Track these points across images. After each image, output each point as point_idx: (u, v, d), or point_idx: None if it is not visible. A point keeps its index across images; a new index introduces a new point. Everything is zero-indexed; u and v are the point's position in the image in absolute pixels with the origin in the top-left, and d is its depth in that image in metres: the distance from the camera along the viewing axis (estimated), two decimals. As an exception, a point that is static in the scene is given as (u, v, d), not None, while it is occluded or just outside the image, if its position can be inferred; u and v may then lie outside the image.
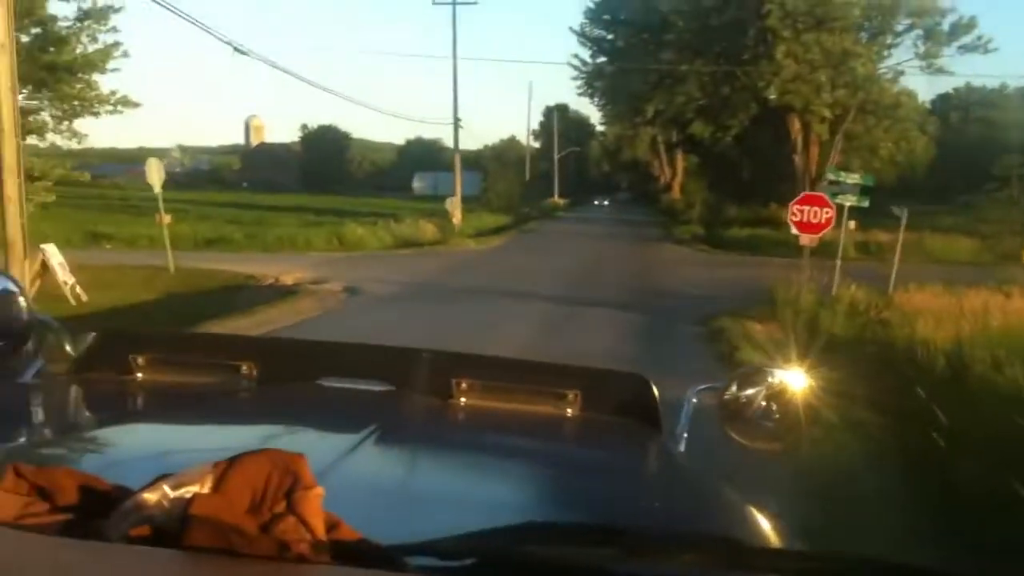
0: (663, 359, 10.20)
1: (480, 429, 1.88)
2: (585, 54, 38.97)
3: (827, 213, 14.04)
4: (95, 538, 0.83)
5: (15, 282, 1.92)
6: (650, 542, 0.94)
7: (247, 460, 0.87)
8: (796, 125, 32.80)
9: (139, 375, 1.92)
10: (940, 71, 31.80)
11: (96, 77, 25.39)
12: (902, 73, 32.55)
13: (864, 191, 15.95)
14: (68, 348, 1.99)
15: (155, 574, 0.81)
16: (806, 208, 14.13)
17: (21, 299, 1.87)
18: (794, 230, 26.53)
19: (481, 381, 1.93)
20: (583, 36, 38.03)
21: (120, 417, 1.65)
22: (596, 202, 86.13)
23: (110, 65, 30.40)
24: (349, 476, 1.25)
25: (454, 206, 31.64)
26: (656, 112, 34.92)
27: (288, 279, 19.57)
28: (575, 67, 38.77)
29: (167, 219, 20.12)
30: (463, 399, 1.90)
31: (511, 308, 15.17)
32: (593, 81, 38.12)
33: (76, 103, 30.85)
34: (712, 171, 50.44)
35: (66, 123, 31.85)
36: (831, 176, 16.43)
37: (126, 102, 32.86)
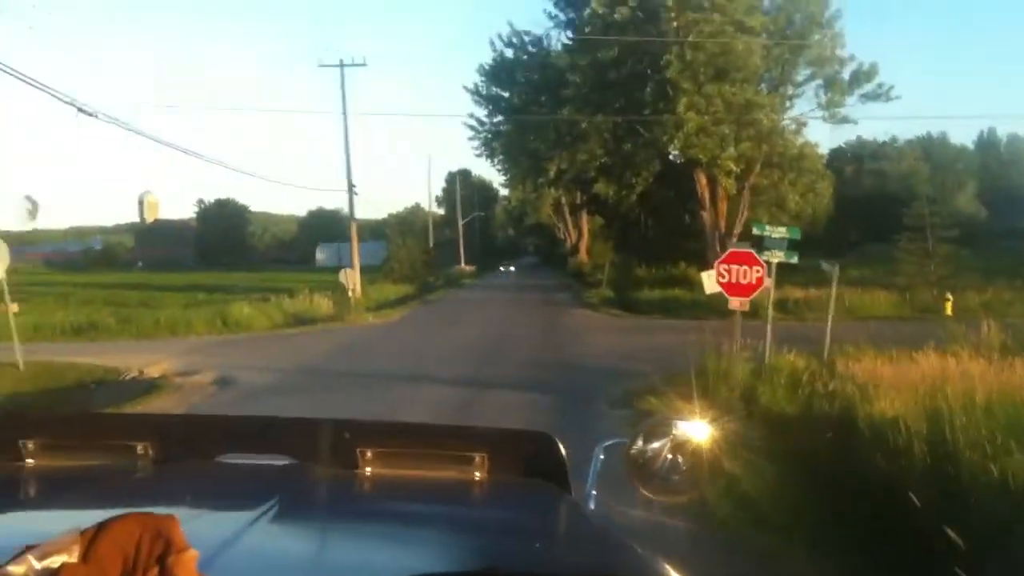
0: (582, 459, 8.19)
1: (385, 498, 1.84)
2: (482, 113, 37.41)
3: (757, 272, 12.34)
4: None
5: None
6: None
7: (115, 525, 0.84)
8: (703, 180, 31.64)
9: (29, 460, 1.84)
10: (844, 120, 31.01)
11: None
12: (804, 124, 31.76)
13: (792, 245, 14.42)
14: None
15: None
16: (734, 268, 12.39)
17: None
18: (718, 292, 25.15)
19: (386, 449, 1.89)
20: (478, 95, 36.44)
21: (7, 504, 1.60)
22: (501, 268, 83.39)
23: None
24: (243, 551, 1.21)
25: (349, 277, 29.35)
26: (558, 172, 33.42)
27: (154, 371, 17.11)
28: (472, 127, 37.18)
29: (14, 307, 17.46)
30: (368, 468, 1.86)
31: (405, 394, 13.05)
32: (491, 141, 36.42)
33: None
34: (618, 232, 49.27)
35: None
36: (756, 230, 14.76)
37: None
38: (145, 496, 1.71)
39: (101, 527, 0.84)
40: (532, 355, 17.56)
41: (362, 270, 57.48)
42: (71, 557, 0.81)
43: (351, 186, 38.71)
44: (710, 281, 27.28)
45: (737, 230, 32.00)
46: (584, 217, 65.40)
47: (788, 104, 30.58)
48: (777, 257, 14.15)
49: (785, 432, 10.23)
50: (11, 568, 0.81)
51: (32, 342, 23.24)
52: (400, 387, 13.84)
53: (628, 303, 33.01)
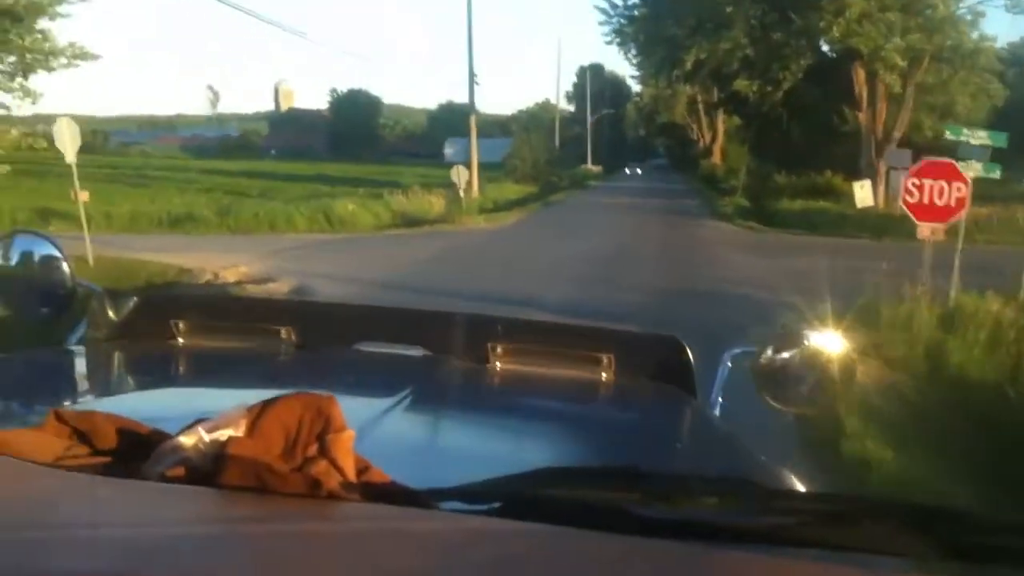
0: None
1: (514, 393, 1.88)
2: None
3: (959, 191, 9.20)
4: (133, 478, 0.86)
5: (58, 248, 1.92)
6: (673, 486, 0.94)
7: (280, 403, 0.89)
8: (861, 76, 27.48)
9: (180, 340, 1.91)
10: (1032, 8, 26.29)
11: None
12: (982, 15, 27.02)
13: (993, 155, 11.17)
14: (111, 314, 1.94)
15: (189, 511, 0.82)
16: (927, 183, 9.26)
17: (64, 265, 1.89)
18: (871, 206, 21.52)
19: (516, 345, 1.90)
20: (612, -26, 32.52)
21: (160, 381, 1.74)
22: (627, 170, 78.52)
23: (62, 9, 26.39)
24: (383, 434, 1.25)
25: (461, 176, 26.79)
26: (696, 63, 29.59)
27: (231, 275, 15.07)
28: (603, 10, 33.35)
29: (83, 196, 15.66)
30: (498, 363, 1.89)
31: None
32: (625, 27, 32.59)
33: (28, 56, 26.81)
34: (757, 134, 45.03)
35: (18, 79, 27.93)
36: (950, 134, 11.47)
37: (83, 55, 28.67)
38: (286, 379, 1.75)
39: (266, 404, 0.88)
40: (655, 279, 14.75)
41: (486, 167, 55.16)
42: (238, 431, 0.86)
43: (472, 75, 36.03)
44: (863, 192, 23.74)
45: (897, 134, 27.90)
46: (720, 117, 60.92)
47: (966, -12, 26.01)
48: (975, 170, 10.89)
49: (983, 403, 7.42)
50: (182, 439, 0.86)
51: (126, 233, 21.85)
52: (498, 310, 11.35)
53: (766, 215, 29.58)
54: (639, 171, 74.81)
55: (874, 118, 27.91)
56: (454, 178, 26.89)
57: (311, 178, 50.90)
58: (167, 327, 1.91)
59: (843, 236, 23.49)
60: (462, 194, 26.92)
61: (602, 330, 2.13)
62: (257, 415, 0.89)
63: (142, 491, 0.84)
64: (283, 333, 1.91)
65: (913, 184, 9.25)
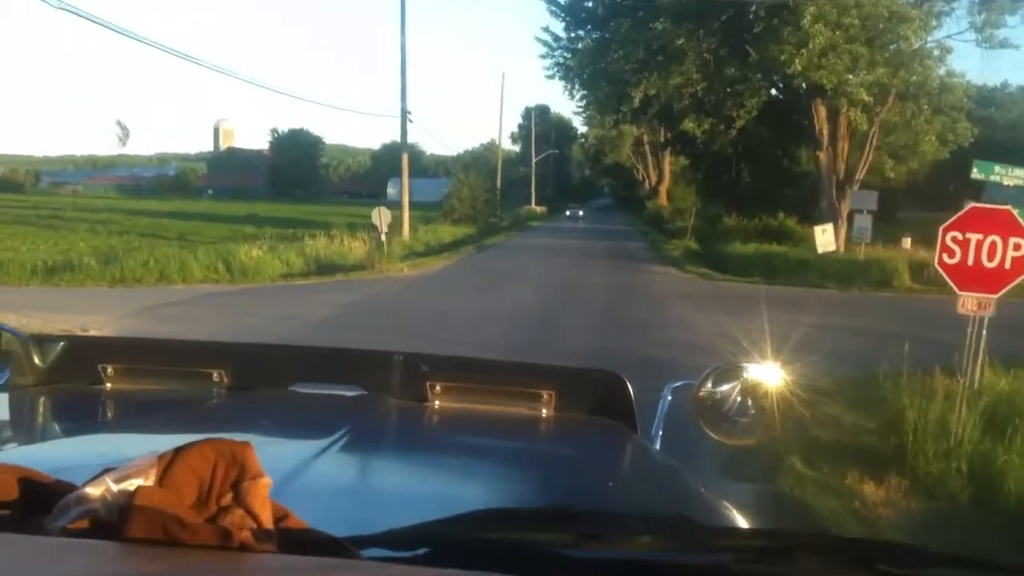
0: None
1: (453, 430, 1.85)
2: (559, 27, 30.80)
3: (1018, 248, 6.37)
4: (33, 532, 0.82)
5: None
6: (607, 525, 0.91)
7: (193, 450, 0.85)
8: (822, 113, 25.17)
9: (108, 384, 1.86)
10: (1003, 44, 24.13)
11: None
12: (950, 50, 24.89)
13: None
14: (37, 360, 1.87)
15: (93, 566, 0.78)
16: (973, 238, 6.41)
17: None
18: (833, 251, 18.84)
19: (456, 383, 1.89)
20: (556, 4, 29.81)
21: (82, 427, 1.64)
22: (568, 212, 71.93)
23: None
24: (311, 478, 1.21)
25: (383, 218, 23.79)
26: (644, 99, 27.01)
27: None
28: (545, 43, 30.65)
29: None
30: (437, 402, 1.87)
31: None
32: (567, 61, 29.89)
33: None
34: (705, 175, 42.86)
35: None
36: (978, 172, 8.83)
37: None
38: (219, 422, 1.72)
39: (177, 452, 0.84)
40: (597, 343, 11.86)
41: (426, 208, 52.49)
42: (147, 480, 0.82)
43: (404, 112, 33.22)
44: (826, 237, 21.21)
45: (859, 175, 25.55)
46: (667, 158, 58.88)
47: (935, 22, 23.80)
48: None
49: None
50: (88, 489, 0.81)
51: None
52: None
53: (717, 259, 27.02)
54: (580, 213, 68.46)
55: (835, 158, 25.54)
56: (375, 220, 23.90)
57: (240, 219, 48.32)
58: (95, 371, 1.85)
59: (805, 285, 20.95)
60: (383, 238, 23.90)
61: (542, 367, 2.02)
62: (168, 463, 0.83)
63: (40, 547, 0.79)
64: (215, 376, 1.86)
65: (954, 240, 6.41)
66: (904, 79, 23.76)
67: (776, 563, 0.83)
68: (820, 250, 23.56)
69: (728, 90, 26.05)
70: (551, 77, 30.64)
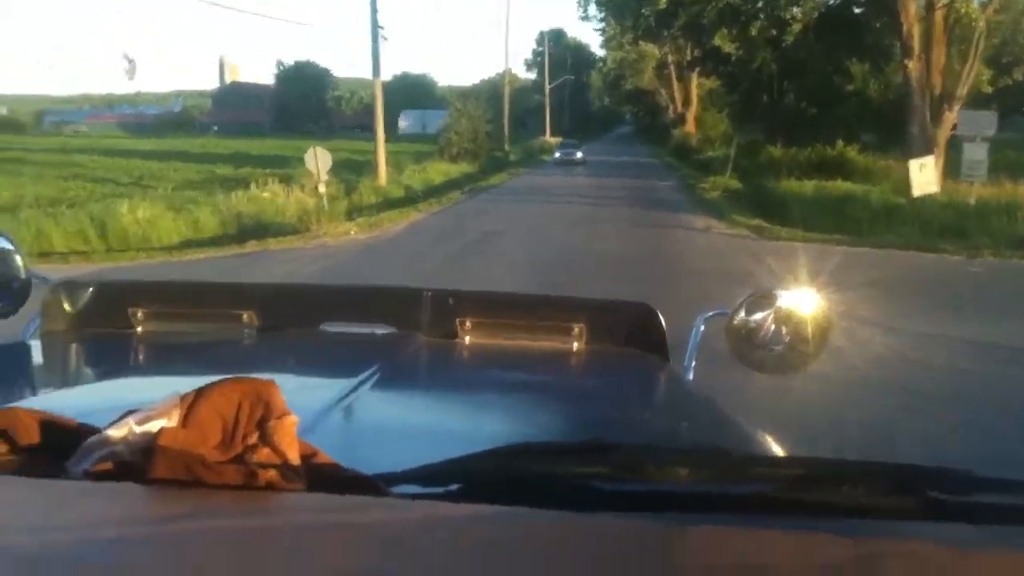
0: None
1: (483, 366, 1.79)
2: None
3: None
4: (56, 476, 0.80)
5: (10, 240, 1.83)
6: (643, 458, 0.87)
7: (215, 390, 0.82)
8: (912, 8, 18.23)
9: (138, 328, 1.79)
10: None
11: None
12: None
13: None
14: (67, 306, 1.80)
15: (114, 510, 0.76)
16: None
17: (18, 257, 1.81)
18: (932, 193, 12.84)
19: (485, 319, 1.81)
20: None
21: (113, 372, 1.62)
22: (558, 153, 44.01)
23: None
24: (341, 417, 1.19)
25: (320, 161, 17.24)
26: (670, 2, 20.18)
27: None
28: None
29: None
30: (467, 338, 1.79)
31: None
32: None
33: None
34: (742, 96, 35.70)
35: None
36: None
37: None
38: (248, 363, 1.66)
39: (200, 392, 0.82)
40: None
41: (426, 142, 46.03)
42: (170, 421, 0.80)
43: (376, 27, 26.65)
44: (924, 174, 13.41)
45: (962, 91, 18.66)
46: (694, 79, 51.61)
47: None
48: None
49: None
50: (111, 432, 0.80)
51: None
52: None
53: (770, 203, 20.36)
54: (579, 155, 41.92)
55: (928, 69, 18.58)
56: (309, 165, 17.41)
57: (224, 158, 42.50)
58: (124, 316, 1.78)
59: (907, 245, 14.45)
60: (321, 190, 17.38)
61: (573, 300, 1.95)
62: (191, 404, 0.81)
63: (62, 490, 0.77)
64: (245, 317, 1.79)
65: None
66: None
67: (818, 490, 0.80)
68: (916, 192, 16.91)
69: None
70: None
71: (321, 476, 0.80)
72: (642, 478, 0.83)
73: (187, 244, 15.14)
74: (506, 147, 44.71)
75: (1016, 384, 6.67)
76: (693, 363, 1.87)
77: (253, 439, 0.80)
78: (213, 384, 0.82)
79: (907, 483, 0.81)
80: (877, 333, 7.63)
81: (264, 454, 0.79)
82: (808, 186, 22.97)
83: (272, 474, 0.77)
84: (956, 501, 0.79)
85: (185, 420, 0.80)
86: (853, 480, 0.81)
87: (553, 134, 65.24)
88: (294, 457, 0.79)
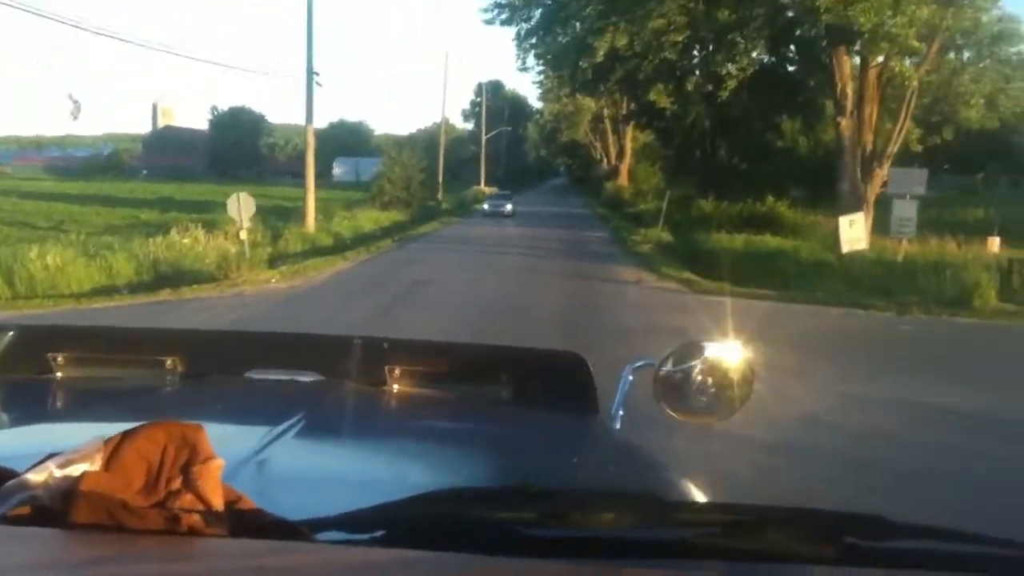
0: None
1: (411, 414, 1.77)
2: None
3: None
4: None
5: None
6: (569, 503, 0.87)
7: (140, 434, 0.81)
8: (846, 67, 18.42)
9: (58, 374, 1.74)
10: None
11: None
12: (1005, -9, 18.31)
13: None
14: None
15: (34, 553, 0.74)
16: None
17: None
18: (861, 250, 13.04)
19: (414, 367, 1.78)
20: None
21: (35, 416, 1.57)
22: (487, 205, 42.53)
23: None
24: (265, 464, 1.16)
25: (243, 207, 16.61)
26: (611, 52, 20.11)
27: None
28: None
29: None
30: (395, 386, 1.76)
31: None
32: (517, 9, 22.69)
33: None
34: (678, 152, 35.98)
35: None
36: None
37: None
38: (171, 409, 1.57)
39: (125, 435, 0.80)
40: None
41: (359, 190, 45.50)
42: (92, 465, 0.78)
43: (311, 73, 26.26)
44: (853, 231, 13.76)
45: (892, 149, 18.81)
46: (629, 133, 52.09)
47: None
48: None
49: None
50: (31, 476, 0.78)
51: None
52: None
53: (700, 257, 20.30)
54: (508, 207, 40.06)
55: (860, 126, 18.73)
56: (232, 211, 16.79)
57: (149, 203, 41.56)
58: (44, 360, 1.73)
59: (837, 302, 14.31)
60: (242, 236, 16.71)
61: (503, 349, 1.98)
62: (115, 447, 0.79)
63: None
64: (169, 363, 1.75)
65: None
66: (954, 23, 17.10)
67: (741, 537, 0.80)
68: (846, 248, 16.90)
69: (719, 40, 19.20)
70: (490, 22, 23.31)
71: (244, 522, 0.77)
72: (568, 523, 0.81)
73: (98, 291, 14.38)
74: (439, 196, 44.37)
75: (937, 449, 6.40)
76: (620, 412, 1.85)
77: (177, 484, 0.77)
78: (138, 427, 0.80)
79: (828, 529, 0.81)
80: (798, 390, 7.43)
81: (188, 499, 0.76)
82: (738, 240, 23.05)
83: (195, 519, 0.75)
84: (869, 547, 0.79)
85: (108, 464, 0.77)
86: (778, 526, 0.81)
87: (488, 184, 65.26)
88: (218, 503, 0.77)
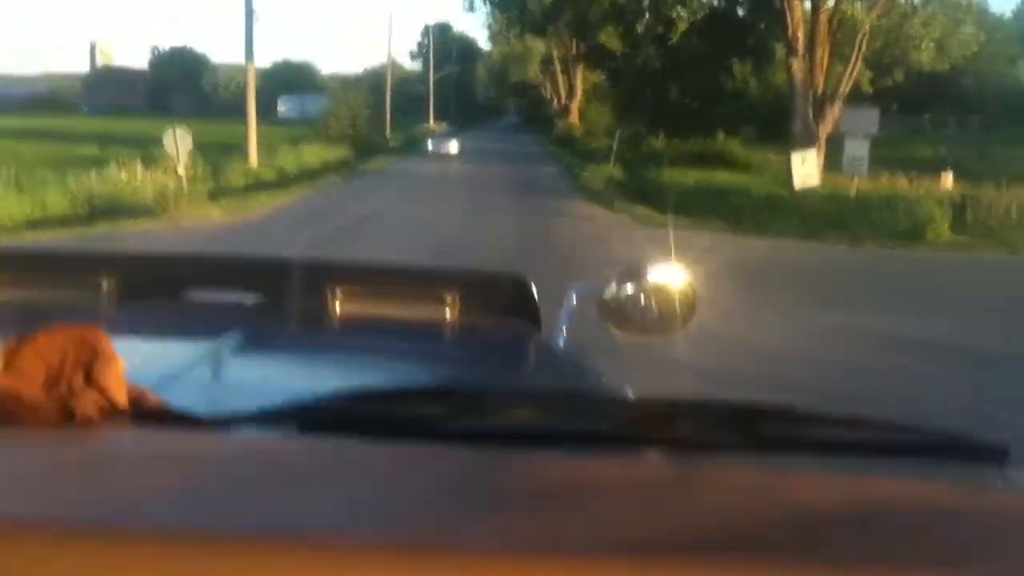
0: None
1: (347, 332, 1.72)
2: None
3: None
4: None
5: None
6: (483, 399, 0.87)
7: (39, 337, 0.79)
8: (798, 10, 18.23)
9: None
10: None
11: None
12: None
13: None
14: None
15: None
16: None
17: None
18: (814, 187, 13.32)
19: (357, 288, 1.73)
20: None
21: None
22: (430, 144, 39.09)
23: None
24: (203, 376, 1.16)
25: (180, 143, 16.00)
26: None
27: None
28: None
29: None
30: (337, 307, 1.70)
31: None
32: None
33: None
34: (629, 91, 35.60)
35: None
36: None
37: None
38: (104, 331, 1.33)
39: (22, 338, 0.79)
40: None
41: (306, 126, 44.47)
42: None
43: (250, 9, 25.37)
44: (805, 168, 13.86)
45: (844, 89, 18.72)
46: (579, 74, 51.49)
47: None
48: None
49: None
50: None
51: None
52: None
53: (652, 192, 20.07)
54: (453, 148, 37.21)
55: (812, 68, 18.53)
56: (168, 146, 16.16)
57: (91, 138, 40.13)
58: None
59: (790, 234, 14.24)
60: (180, 171, 16.10)
61: (446, 270, 2.04)
62: (12, 349, 0.78)
63: None
64: (104, 285, 1.67)
65: None
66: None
67: (652, 429, 0.81)
68: (798, 185, 16.81)
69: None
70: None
71: (148, 416, 0.77)
72: (480, 418, 0.82)
73: (30, 225, 13.76)
74: (387, 133, 43.57)
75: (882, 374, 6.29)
76: (564, 330, 1.85)
77: (79, 382, 0.77)
78: (37, 331, 0.79)
79: (736, 418, 0.82)
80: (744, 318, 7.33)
81: (89, 395, 0.76)
82: (690, 176, 22.90)
83: (95, 412, 0.74)
84: (779, 435, 0.81)
85: (6, 365, 0.76)
86: (685, 416, 0.82)
87: (438, 122, 64.38)
88: (121, 399, 0.76)
